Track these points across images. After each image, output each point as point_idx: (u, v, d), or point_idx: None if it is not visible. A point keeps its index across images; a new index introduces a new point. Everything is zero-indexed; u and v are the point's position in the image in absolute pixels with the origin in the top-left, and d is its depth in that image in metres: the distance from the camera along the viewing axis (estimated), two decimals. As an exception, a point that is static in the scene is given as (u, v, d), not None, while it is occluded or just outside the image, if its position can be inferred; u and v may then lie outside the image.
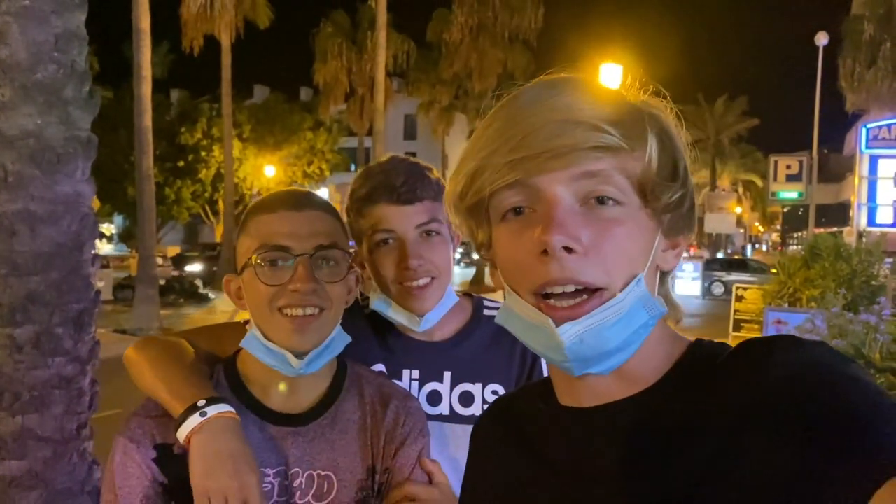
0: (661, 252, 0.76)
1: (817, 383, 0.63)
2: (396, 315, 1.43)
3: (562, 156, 0.69)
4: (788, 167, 19.59)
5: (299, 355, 1.15)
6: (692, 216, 0.78)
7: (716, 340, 0.79)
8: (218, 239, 29.11)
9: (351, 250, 1.25)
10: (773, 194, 20.32)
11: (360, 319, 1.48)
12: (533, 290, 0.71)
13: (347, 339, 1.24)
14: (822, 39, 20.31)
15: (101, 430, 2.88)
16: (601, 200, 0.70)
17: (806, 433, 0.60)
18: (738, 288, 11.90)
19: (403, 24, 32.75)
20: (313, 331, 1.16)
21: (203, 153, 27.87)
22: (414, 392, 1.44)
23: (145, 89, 13.78)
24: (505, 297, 0.78)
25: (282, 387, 1.21)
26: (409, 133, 42.99)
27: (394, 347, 1.48)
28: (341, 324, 1.24)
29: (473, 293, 1.60)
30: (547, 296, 0.71)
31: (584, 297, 0.70)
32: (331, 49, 29.10)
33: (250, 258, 1.16)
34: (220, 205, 28.20)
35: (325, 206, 1.24)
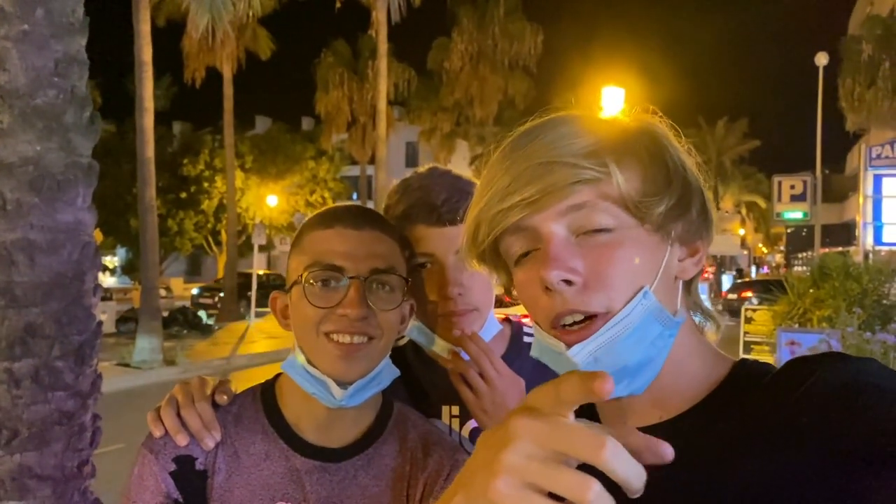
0: (678, 262, 0.78)
1: (868, 399, 0.62)
2: (433, 345, 1.33)
3: (546, 195, 0.73)
4: (792, 187, 19.55)
5: (343, 385, 1.06)
6: (706, 219, 0.79)
7: (760, 361, 0.78)
8: (220, 270, 29.06)
9: (405, 274, 1.16)
10: (778, 215, 20.24)
11: (394, 351, 1.37)
12: (548, 323, 0.75)
13: (396, 372, 1.14)
14: (821, 60, 20.38)
15: (104, 466, 2.79)
16: (595, 230, 0.73)
17: (858, 450, 0.59)
18: (746, 310, 11.77)
19: (404, 53, 33.08)
20: (360, 360, 1.07)
21: (205, 184, 27.96)
22: (454, 431, 1.34)
23: (148, 121, 13.81)
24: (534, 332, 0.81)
25: (329, 420, 1.12)
26: (411, 160, 43.14)
27: (431, 381, 1.37)
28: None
29: (513, 320, 1.50)
30: (562, 325, 0.74)
31: (593, 320, 0.73)
32: (332, 79, 29.31)
33: (301, 275, 1.08)
34: (223, 235, 28.22)
35: (386, 227, 1.15)
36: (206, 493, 1.08)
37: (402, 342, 1.43)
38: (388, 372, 1.13)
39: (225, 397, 1.15)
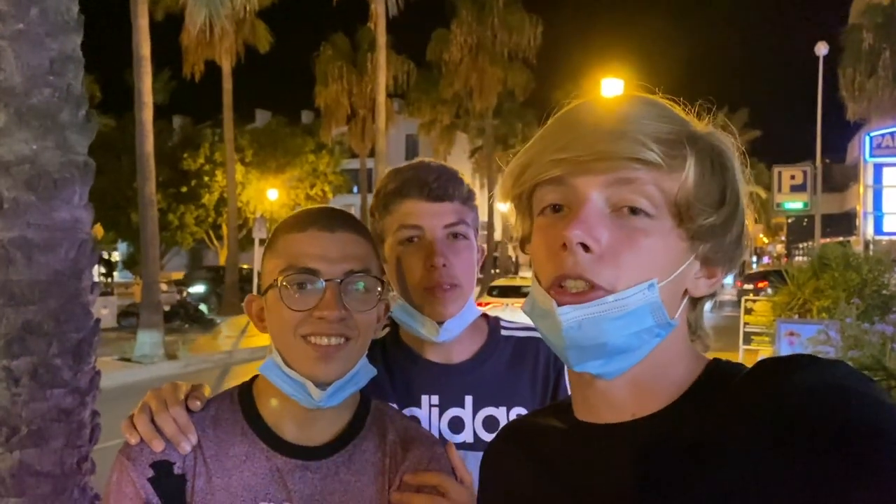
0: (694, 278, 0.77)
1: (838, 401, 0.63)
2: (415, 322, 1.36)
3: (601, 161, 0.72)
4: (793, 178, 19.52)
5: (321, 386, 1.08)
6: (736, 250, 0.78)
7: (732, 360, 0.79)
8: (222, 263, 29.10)
9: (383, 277, 1.17)
10: (779, 205, 20.22)
11: (373, 343, 1.39)
12: (549, 281, 0.74)
13: (373, 371, 1.16)
14: (822, 49, 20.33)
15: (105, 461, 2.80)
16: (633, 210, 0.72)
17: (828, 451, 0.60)
18: (746, 300, 11.78)
19: (403, 46, 32.96)
20: (338, 361, 1.08)
21: (206, 178, 27.95)
22: (434, 420, 1.36)
23: (147, 115, 13.79)
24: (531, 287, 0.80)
25: (306, 420, 1.13)
26: (411, 153, 43.12)
27: (410, 372, 1.40)
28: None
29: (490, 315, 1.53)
30: (560, 286, 0.74)
31: (593, 290, 0.72)
32: (331, 72, 29.27)
33: (276, 279, 1.09)
34: (224, 229, 28.23)
35: (359, 228, 1.16)
36: (186, 497, 1.09)
37: (381, 334, 1.45)
38: (365, 371, 1.14)
39: (198, 403, 1.15)
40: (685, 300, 0.78)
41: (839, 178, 29.18)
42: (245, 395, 1.18)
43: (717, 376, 0.76)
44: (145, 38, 13.87)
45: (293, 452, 1.12)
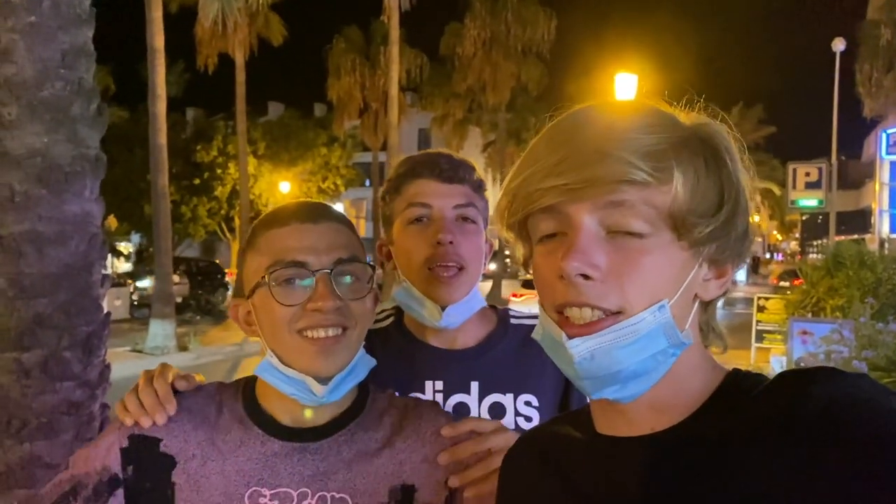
0: (703, 281, 0.75)
1: (867, 414, 0.62)
2: (418, 305, 1.35)
3: (588, 187, 0.70)
4: (807, 175, 19.34)
5: (322, 381, 1.05)
6: (743, 244, 0.76)
7: (753, 371, 0.78)
8: (234, 255, 29.20)
9: (371, 263, 1.15)
10: (793, 202, 20.05)
11: (375, 333, 1.36)
12: (554, 308, 0.74)
13: (372, 362, 1.14)
14: (838, 45, 20.11)
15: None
16: (629, 232, 0.71)
17: (859, 465, 0.59)
18: (759, 298, 11.70)
19: (416, 39, 32.96)
20: (338, 353, 1.06)
21: (219, 171, 28.02)
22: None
23: (160, 107, 13.85)
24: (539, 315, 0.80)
25: (307, 413, 1.12)
26: (424, 147, 42.82)
27: (414, 357, 1.38)
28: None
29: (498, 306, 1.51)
30: (565, 315, 0.73)
31: (602, 316, 0.71)
32: (344, 65, 29.23)
33: (262, 277, 1.06)
34: (237, 221, 28.32)
35: (341, 218, 1.14)
36: (170, 476, 1.08)
37: (382, 324, 1.44)
38: (363, 363, 1.12)
39: (185, 383, 1.16)
40: (696, 305, 0.76)
41: (855, 175, 28.94)
42: (248, 387, 1.17)
43: (736, 388, 0.74)
44: (159, 30, 13.91)
45: (290, 436, 1.11)
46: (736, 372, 0.77)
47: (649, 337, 0.71)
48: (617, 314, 0.70)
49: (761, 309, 11.37)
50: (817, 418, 0.64)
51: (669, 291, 0.71)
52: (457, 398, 1.36)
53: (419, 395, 1.34)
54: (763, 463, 0.65)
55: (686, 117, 0.76)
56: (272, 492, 1.07)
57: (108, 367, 2.61)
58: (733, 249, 0.75)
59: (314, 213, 1.11)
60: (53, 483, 1.14)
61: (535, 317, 1.44)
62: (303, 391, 1.07)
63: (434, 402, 1.26)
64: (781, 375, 0.72)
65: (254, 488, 1.08)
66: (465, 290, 1.35)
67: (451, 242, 1.31)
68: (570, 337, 0.71)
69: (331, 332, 1.05)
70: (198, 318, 19.18)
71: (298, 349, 1.06)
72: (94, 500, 1.10)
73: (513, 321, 1.45)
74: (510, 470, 0.95)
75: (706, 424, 0.72)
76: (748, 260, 0.84)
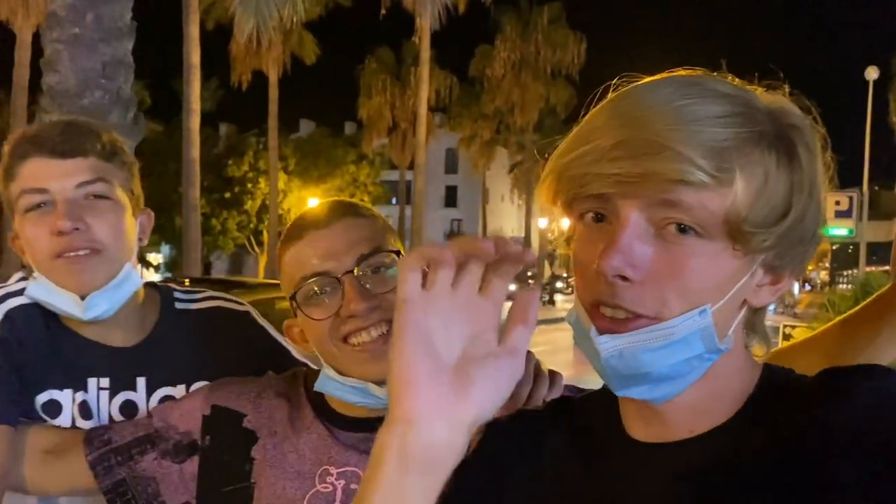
0: (756, 287, 0.69)
1: None
2: (58, 299, 1.18)
3: (641, 182, 0.63)
4: (838, 203, 19.07)
5: (382, 384, 0.99)
6: (806, 251, 0.69)
7: (778, 366, 0.74)
8: (261, 269, 29.50)
9: (397, 247, 1.08)
10: (823, 231, 19.81)
11: (36, 328, 1.22)
12: (587, 302, 0.69)
13: None
14: (872, 74, 19.96)
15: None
16: (681, 229, 0.64)
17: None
18: (785, 326, 11.56)
19: (446, 60, 33.14)
20: (386, 353, 1.04)
21: (249, 185, 28.42)
22: (104, 404, 1.24)
23: (194, 122, 14.12)
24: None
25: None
26: (451, 167, 43.15)
27: (73, 353, 1.24)
28: (13, 331, 1.14)
29: (160, 283, 1.40)
30: (599, 310, 0.68)
31: (636, 317, 0.66)
32: (375, 84, 29.62)
33: (294, 295, 1.05)
34: (265, 236, 28.63)
35: (354, 211, 1.09)
36: (251, 452, 1.08)
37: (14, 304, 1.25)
38: None
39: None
40: (743, 311, 0.70)
41: (887, 205, 28.49)
42: (309, 381, 1.15)
43: (773, 386, 0.71)
44: (195, 46, 14.23)
45: (354, 426, 1.09)
46: (768, 367, 0.73)
47: (685, 342, 0.66)
48: (652, 318, 0.66)
49: (787, 337, 11.22)
50: (868, 413, 0.62)
51: (714, 297, 0.66)
52: (124, 396, 1.26)
53: (83, 393, 1.23)
54: (814, 460, 0.63)
55: (766, 99, 0.69)
56: (339, 470, 1.07)
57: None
58: (794, 258, 0.68)
59: (327, 216, 1.08)
60: (132, 422, 1.16)
61: (205, 297, 1.34)
62: (368, 397, 1.03)
63: None
64: (823, 373, 0.69)
65: (324, 467, 1.07)
66: (106, 274, 1.18)
67: (77, 230, 1.15)
68: (600, 332, 0.67)
69: (374, 333, 1.01)
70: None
71: (348, 358, 1.03)
72: (172, 455, 1.11)
73: (178, 305, 1.33)
74: (533, 436, 0.84)
75: (749, 425, 0.69)
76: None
